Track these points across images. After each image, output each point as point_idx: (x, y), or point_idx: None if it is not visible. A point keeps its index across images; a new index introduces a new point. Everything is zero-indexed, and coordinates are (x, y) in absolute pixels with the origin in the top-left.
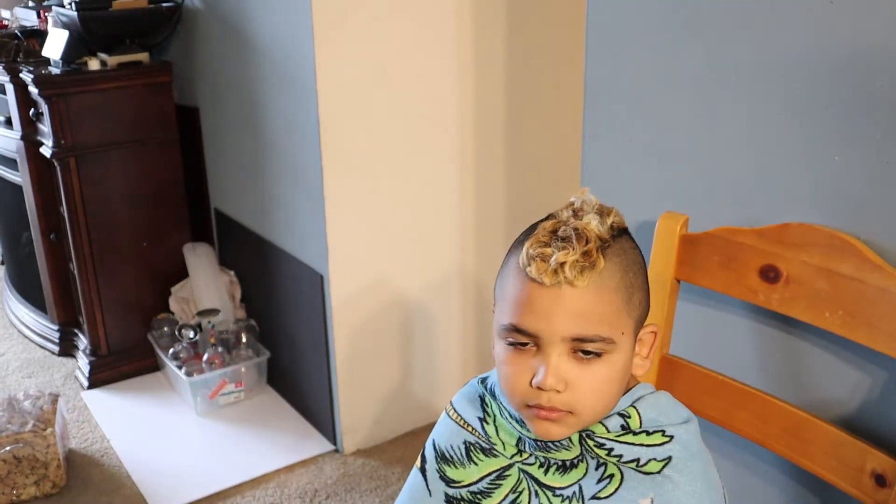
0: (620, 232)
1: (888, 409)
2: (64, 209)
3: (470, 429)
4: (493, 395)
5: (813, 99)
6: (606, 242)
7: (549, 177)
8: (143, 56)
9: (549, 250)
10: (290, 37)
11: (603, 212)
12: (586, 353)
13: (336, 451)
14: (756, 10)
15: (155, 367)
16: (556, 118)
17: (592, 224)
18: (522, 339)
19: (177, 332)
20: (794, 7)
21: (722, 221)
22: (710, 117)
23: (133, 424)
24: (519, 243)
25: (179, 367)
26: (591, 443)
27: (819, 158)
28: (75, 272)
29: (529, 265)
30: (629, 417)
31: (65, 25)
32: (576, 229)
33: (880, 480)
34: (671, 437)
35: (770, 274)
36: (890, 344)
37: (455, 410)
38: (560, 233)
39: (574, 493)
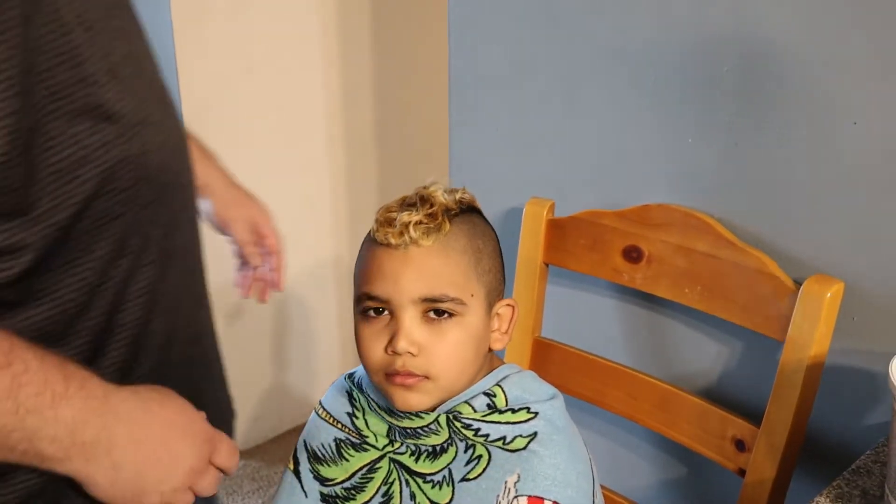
0: (471, 209)
1: (744, 378)
2: None
3: (340, 425)
4: (360, 388)
5: (665, 84)
6: (453, 211)
7: (420, 165)
8: None
9: (394, 214)
10: (148, 32)
11: (454, 190)
12: (438, 313)
13: None
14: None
15: None
16: (426, 106)
17: (438, 193)
18: (375, 305)
19: None
20: None
21: (586, 205)
22: (570, 104)
23: None
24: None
25: None
26: (458, 424)
27: (674, 141)
28: None
29: (378, 230)
30: (494, 396)
31: None
32: (421, 196)
33: (740, 445)
34: (536, 413)
35: (633, 254)
36: (744, 315)
37: (324, 409)
38: (407, 200)
39: (444, 477)
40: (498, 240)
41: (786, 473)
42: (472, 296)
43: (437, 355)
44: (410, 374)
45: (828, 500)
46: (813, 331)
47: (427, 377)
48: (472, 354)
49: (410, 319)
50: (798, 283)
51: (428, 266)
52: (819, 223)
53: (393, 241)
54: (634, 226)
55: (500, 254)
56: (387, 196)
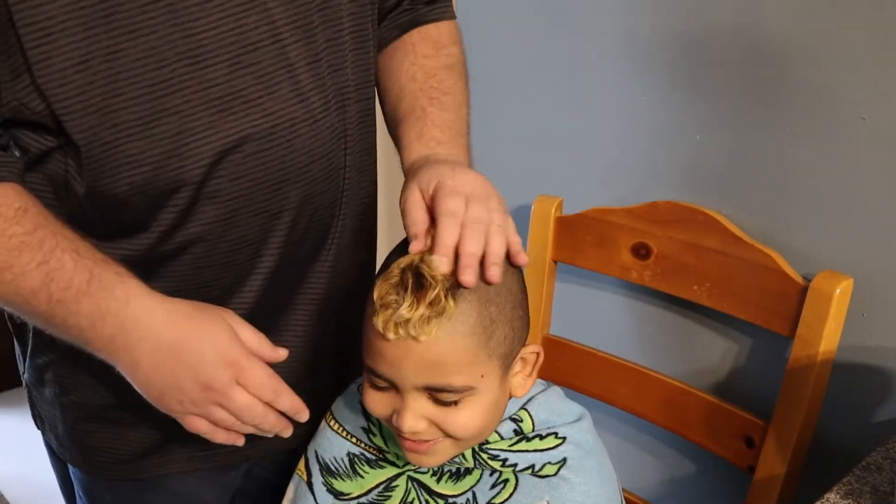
0: None
1: (753, 374)
2: None
3: (354, 440)
4: None
5: (672, 81)
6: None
7: None
8: None
9: (393, 301)
10: None
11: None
12: (445, 401)
13: None
14: None
15: None
16: None
17: (438, 270)
18: (380, 382)
19: None
20: None
21: (594, 202)
22: (578, 102)
23: (6, 441)
24: (385, 265)
25: None
26: (484, 456)
27: (681, 138)
28: None
29: (376, 315)
30: (521, 421)
31: None
32: (420, 275)
33: (749, 442)
34: (564, 438)
35: (641, 251)
36: (753, 312)
37: (336, 421)
38: (406, 279)
39: (468, 500)
40: (517, 279)
41: (795, 470)
42: (483, 376)
43: (451, 427)
44: (422, 442)
45: (838, 496)
46: (822, 327)
47: (445, 436)
48: (490, 416)
49: (415, 401)
50: (807, 280)
51: (430, 356)
52: (828, 219)
53: (391, 335)
54: (643, 223)
55: (522, 301)
56: (392, 196)
